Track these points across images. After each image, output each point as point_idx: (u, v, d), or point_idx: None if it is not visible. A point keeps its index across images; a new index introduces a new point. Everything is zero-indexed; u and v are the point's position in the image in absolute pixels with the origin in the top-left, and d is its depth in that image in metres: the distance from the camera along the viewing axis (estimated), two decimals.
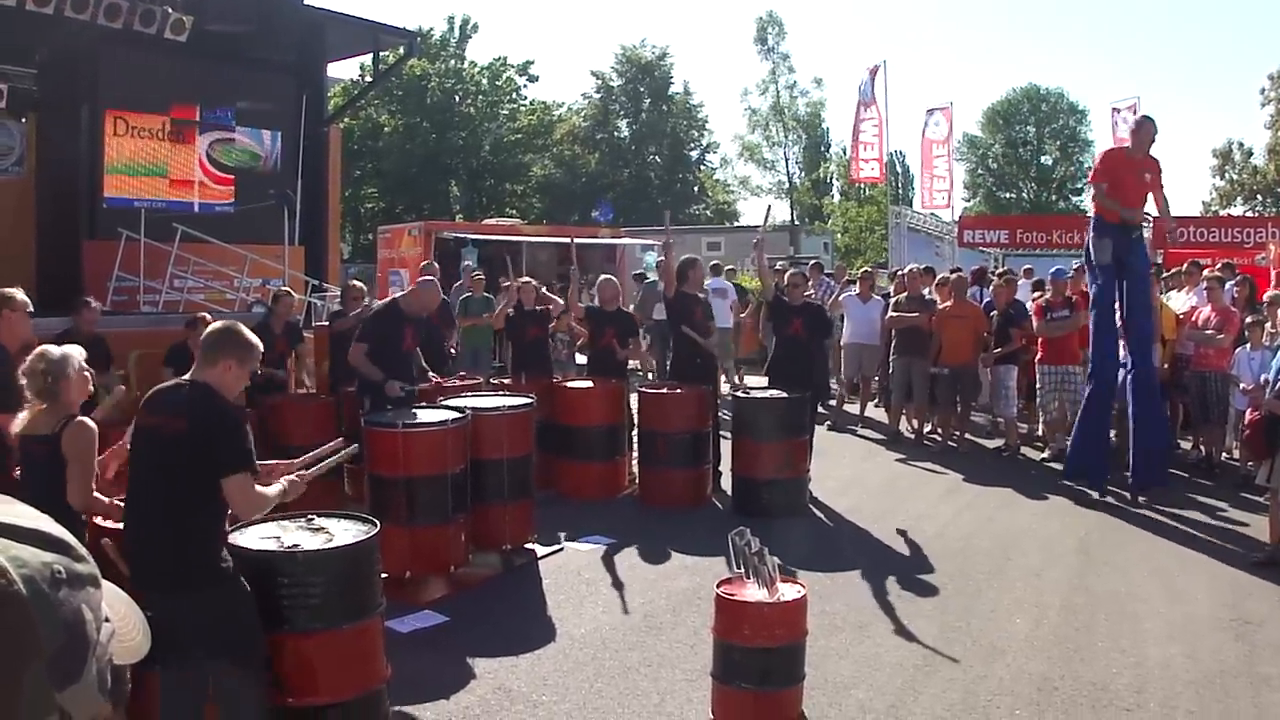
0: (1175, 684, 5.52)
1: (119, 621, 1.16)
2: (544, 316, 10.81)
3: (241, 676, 4.12)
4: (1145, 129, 9.53)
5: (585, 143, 54.18)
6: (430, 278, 9.17)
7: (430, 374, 9.54)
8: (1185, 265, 13.07)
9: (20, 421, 4.56)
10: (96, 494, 4.59)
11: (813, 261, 20.59)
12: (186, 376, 4.26)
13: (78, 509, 4.54)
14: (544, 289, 11.79)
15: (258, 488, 4.11)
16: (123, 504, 4.41)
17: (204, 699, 4.20)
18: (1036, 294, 12.86)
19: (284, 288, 11.32)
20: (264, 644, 4.21)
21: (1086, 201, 54.42)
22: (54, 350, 4.64)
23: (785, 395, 9.39)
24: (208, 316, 9.89)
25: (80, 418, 4.47)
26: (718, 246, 36.44)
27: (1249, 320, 10.35)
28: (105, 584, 1.15)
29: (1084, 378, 10.34)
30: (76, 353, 4.68)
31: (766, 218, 14.58)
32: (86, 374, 4.71)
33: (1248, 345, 10.18)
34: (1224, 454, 10.82)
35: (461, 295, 14.29)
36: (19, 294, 6.09)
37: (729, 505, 9.29)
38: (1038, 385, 11.56)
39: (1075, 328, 11.15)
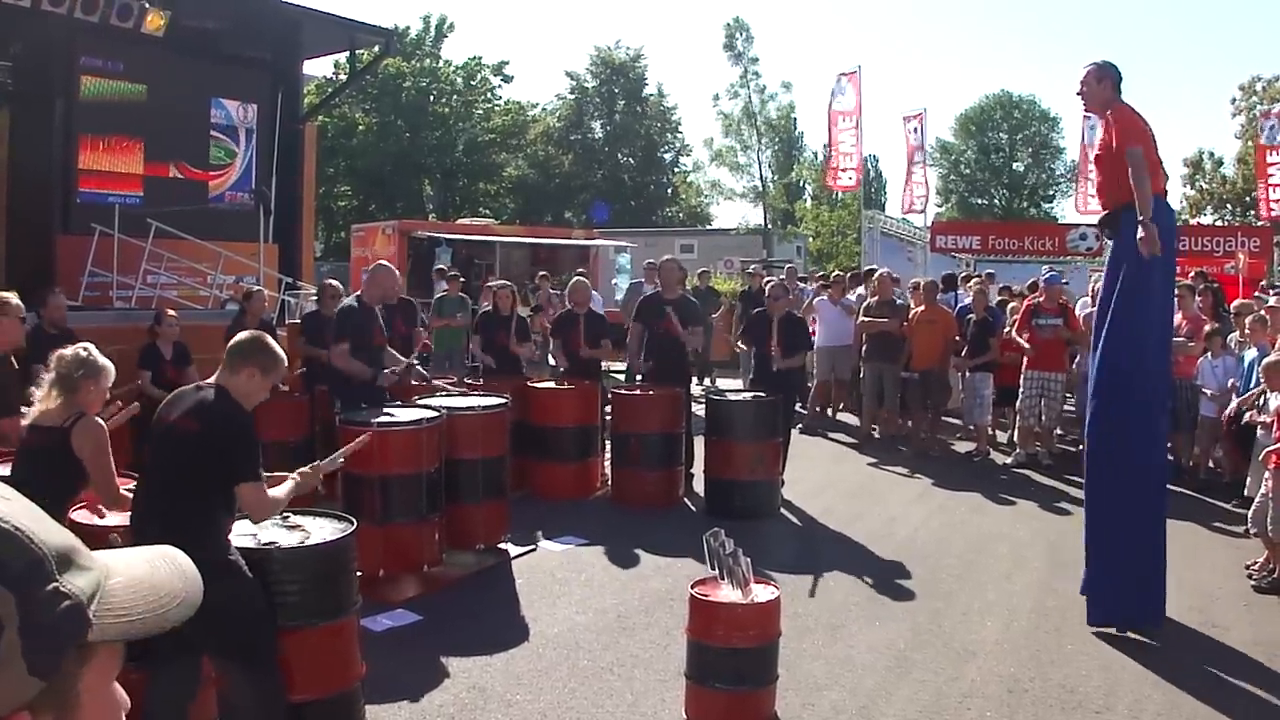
0: (1143, 686, 5.59)
1: None
2: (520, 327, 10.82)
3: (250, 672, 4.14)
4: (1082, 77, 6.44)
5: (559, 143, 54.11)
6: (383, 261, 9.09)
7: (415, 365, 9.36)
8: None
9: (32, 414, 4.56)
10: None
11: (788, 266, 20.70)
12: (210, 380, 4.33)
13: (111, 507, 4.57)
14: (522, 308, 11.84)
15: (270, 491, 4.24)
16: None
17: (190, 697, 4.21)
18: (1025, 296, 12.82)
19: (256, 286, 11.23)
20: (274, 640, 4.23)
21: (1058, 208, 54.83)
22: (100, 355, 4.64)
23: (758, 397, 9.43)
24: (171, 313, 9.85)
25: (88, 415, 4.48)
26: (691, 249, 36.61)
27: (1208, 329, 10.46)
28: None
29: (1064, 386, 10.21)
30: (111, 371, 4.70)
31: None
32: (105, 395, 4.72)
33: (1209, 354, 10.30)
34: (1189, 460, 10.93)
35: (437, 295, 14.28)
36: (13, 299, 6.04)
37: (701, 507, 9.32)
38: (1021, 391, 11.54)
39: (1050, 335, 11.22)
